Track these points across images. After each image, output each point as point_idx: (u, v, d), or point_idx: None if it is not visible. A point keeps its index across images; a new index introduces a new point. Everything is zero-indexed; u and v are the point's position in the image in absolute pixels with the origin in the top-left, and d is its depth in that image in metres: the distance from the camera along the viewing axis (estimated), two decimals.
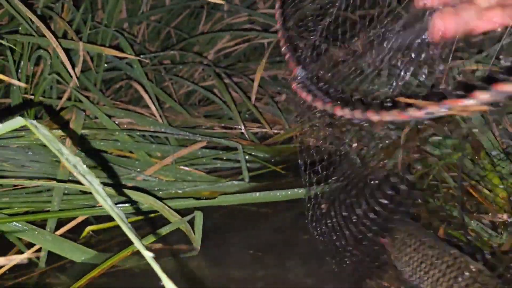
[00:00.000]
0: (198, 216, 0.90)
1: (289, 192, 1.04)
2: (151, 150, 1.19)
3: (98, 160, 1.11)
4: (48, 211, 0.96)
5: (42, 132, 0.36)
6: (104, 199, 0.34)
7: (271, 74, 1.68)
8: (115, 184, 1.07)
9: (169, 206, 0.89)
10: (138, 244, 0.33)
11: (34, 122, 0.36)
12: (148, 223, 0.99)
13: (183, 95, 1.65)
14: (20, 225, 0.90)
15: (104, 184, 1.01)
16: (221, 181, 1.13)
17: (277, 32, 0.71)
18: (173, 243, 0.91)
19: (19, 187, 1.04)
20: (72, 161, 0.36)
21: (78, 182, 1.04)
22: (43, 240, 0.89)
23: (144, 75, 1.33)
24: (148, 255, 0.32)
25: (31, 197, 1.01)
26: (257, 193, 1.02)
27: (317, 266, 0.83)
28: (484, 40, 0.46)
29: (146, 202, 0.88)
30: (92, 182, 0.35)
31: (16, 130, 1.13)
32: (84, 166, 0.36)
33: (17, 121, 0.36)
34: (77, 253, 0.89)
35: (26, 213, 1.00)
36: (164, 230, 0.88)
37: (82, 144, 1.11)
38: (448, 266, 0.61)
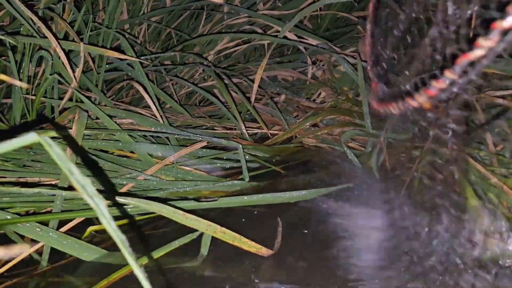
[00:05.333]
0: (206, 238, 0.89)
1: (294, 194, 1.04)
2: (152, 150, 1.19)
3: (100, 162, 1.11)
4: (51, 211, 0.96)
5: (56, 151, 0.36)
6: (109, 223, 0.35)
7: (270, 75, 1.69)
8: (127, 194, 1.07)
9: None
10: (135, 268, 0.33)
11: (49, 140, 0.36)
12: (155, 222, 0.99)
13: (184, 95, 1.66)
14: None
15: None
16: (222, 181, 1.13)
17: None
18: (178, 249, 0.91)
19: (21, 186, 1.05)
20: (81, 182, 0.36)
21: None
22: (46, 238, 0.88)
23: (145, 75, 1.34)
24: (142, 278, 0.33)
25: (33, 197, 1.02)
26: (260, 195, 1.02)
27: (323, 268, 0.84)
28: None
29: (160, 212, 0.84)
30: (99, 205, 0.36)
31: None
32: (93, 188, 0.36)
33: (30, 138, 0.37)
34: (83, 251, 0.89)
35: (27, 213, 1.01)
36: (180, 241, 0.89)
37: (84, 145, 1.12)
38: None
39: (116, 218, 0.93)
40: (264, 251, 0.86)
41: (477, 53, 0.43)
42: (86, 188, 0.36)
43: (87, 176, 1.04)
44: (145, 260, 0.86)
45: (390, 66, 0.81)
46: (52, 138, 1.07)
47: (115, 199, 0.84)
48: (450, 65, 0.46)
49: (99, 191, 0.88)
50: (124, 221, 0.99)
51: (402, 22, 0.77)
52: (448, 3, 0.49)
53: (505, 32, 0.41)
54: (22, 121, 1.22)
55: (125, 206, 0.92)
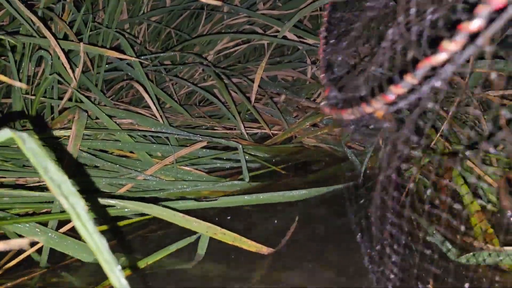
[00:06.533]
0: (203, 240, 0.88)
1: (294, 194, 1.04)
2: (151, 150, 1.19)
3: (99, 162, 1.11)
4: (50, 212, 0.96)
5: (29, 146, 0.34)
6: (85, 225, 0.32)
7: (270, 74, 1.69)
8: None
9: (172, 208, 0.87)
10: (115, 278, 0.31)
11: (23, 134, 0.34)
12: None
13: (184, 95, 1.65)
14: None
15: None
16: (222, 181, 1.13)
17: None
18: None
19: (20, 187, 1.05)
20: (57, 180, 0.33)
21: (79, 183, 1.05)
22: (46, 238, 0.88)
23: (144, 75, 1.34)
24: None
25: (32, 198, 1.01)
26: (260, 195, 1.01)
27: (321, 268, 0.83)
28: None
29: (161, 216, 0.84)
30: (75, 205, 0.32)
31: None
32: (70, 186, 0.33)
33: (4, 134, 0.35)
34: (82, 252, 0.88)
35: (27, 214, 1.00)
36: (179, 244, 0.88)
37: (83, 145, 1.11)
38: None
39: (112, 220, 0.92)
40: (265, 250, 0.86)
41: (440, 57, 0.38)
42: (62, 187, 0.33)
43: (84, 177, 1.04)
44: (143, 264, 0.85)
45: (345, 71, 0.78)
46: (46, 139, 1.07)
47: (113, 202, 0.83)
48: (411, 69, 0.41)
49: (94, 192, 0.89)
50: (124, 223, 0.99)
51: (358, 28, 0.75)
52: (411, 3, 0.43)
53: (472, 36, 0.36)
54: (22, 121, 1.22)
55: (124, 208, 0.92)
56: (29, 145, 0.34)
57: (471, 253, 0.76)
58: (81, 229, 0.32)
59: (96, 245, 0.32)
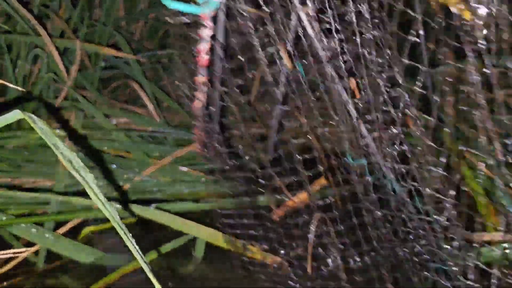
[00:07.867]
0: (200, 244, 0.87)
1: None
2: (149, 150, 1.18)
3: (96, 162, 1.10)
4: (46, 212, 0.95)
5: (39, 126, 0.36)
6: (98, 196, 0.34)
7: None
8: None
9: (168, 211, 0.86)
10: (134, 250, 0.32)
11: (32, 116, 0.36)
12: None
13: (182, 94, 1.64)
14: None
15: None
16: (220, 182, 1.12)
17: None
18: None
19: (16, 187, 1.04)
20: (68, 156, 0.35)
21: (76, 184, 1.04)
22: (43, 239, 0.87)
23: (141, 73, 1.33)
24: (146, 268, 0.32)
25: (28, 198, 1.00)
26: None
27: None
28: None
29: (160, 220, 0.84)
30: (86, 178, 0.35)
31: (12, 130, 1.12)
32: (80, 161, 0.35)
33: (14, 114, 0.36)
34: (79, 253, 0.88)
35: (22, 215, 0.99)
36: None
37: (79, 144, 1.10)
38: None
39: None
40: (270, 260, 0.82)
41: None
42: (73, 162, 0.35)
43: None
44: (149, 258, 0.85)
45: None
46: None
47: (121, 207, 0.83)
48: None
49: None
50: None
51: None
52: None
53: None
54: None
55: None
56: (39, 125, 0.36)
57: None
58: (94, 198, 0.34)
59: (109, 213, 0.34)
